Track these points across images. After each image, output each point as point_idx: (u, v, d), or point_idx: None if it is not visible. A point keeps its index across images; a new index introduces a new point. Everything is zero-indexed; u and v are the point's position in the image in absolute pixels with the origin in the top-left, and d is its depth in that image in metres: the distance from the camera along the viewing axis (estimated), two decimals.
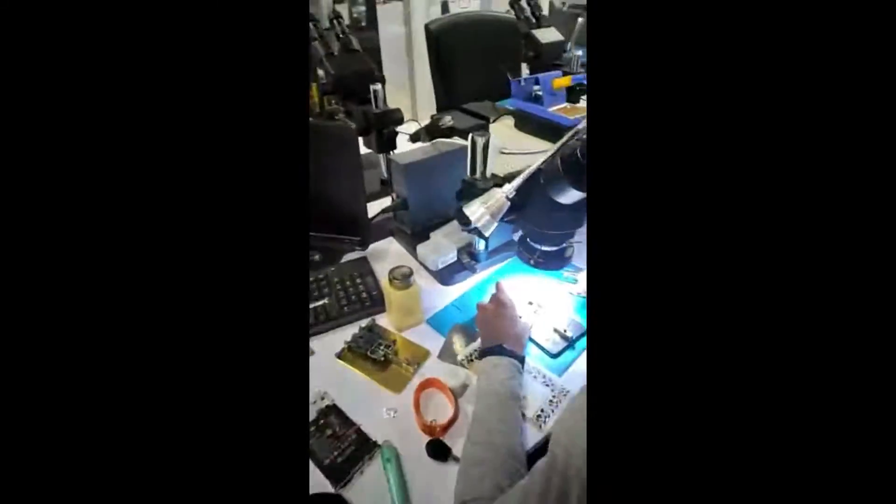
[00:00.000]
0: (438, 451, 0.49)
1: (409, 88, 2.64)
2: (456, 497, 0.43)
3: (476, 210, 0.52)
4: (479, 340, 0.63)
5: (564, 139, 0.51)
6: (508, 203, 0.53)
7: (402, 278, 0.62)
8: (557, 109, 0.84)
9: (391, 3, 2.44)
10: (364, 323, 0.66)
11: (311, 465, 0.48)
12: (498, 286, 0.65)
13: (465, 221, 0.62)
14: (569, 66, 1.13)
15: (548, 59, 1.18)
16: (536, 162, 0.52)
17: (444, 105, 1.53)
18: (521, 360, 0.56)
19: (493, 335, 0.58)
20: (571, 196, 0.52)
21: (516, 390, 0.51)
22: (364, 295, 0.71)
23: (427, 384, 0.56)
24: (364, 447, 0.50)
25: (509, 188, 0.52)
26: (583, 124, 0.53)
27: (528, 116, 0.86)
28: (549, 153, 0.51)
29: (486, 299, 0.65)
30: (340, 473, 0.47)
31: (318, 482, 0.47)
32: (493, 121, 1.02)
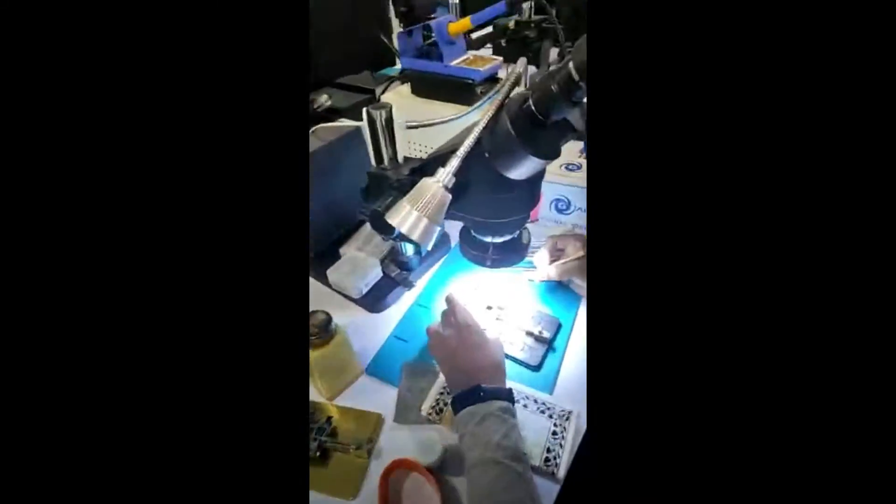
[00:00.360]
0: None
1: None
2: None
3: (406, 215, 0.35)
4: (441, 377, 0.47)
5: (501, 93, 0.36)
6: (449, 196, 0.36)
7: (321, 330, 0.43)
8: (461, 62, 0.69)
9: None
10: None
11: None
12: (449, 301, 0.49)
13: (386, 231, 0.45)
14: (451, 15, 0.98)
15: (422, 12, 1.02)
16: (474, 131, 0.36)
17: (312, 84, 1.29)
18: (508, 394, 0.41)
19: (462, 373, 0.42)
20: (527, 166, 0.38)
21: (518, 448, 0.37)
22: None
23: (391, 470, 0.40)
24: None
25: (445, 174, 0.36)
26: (520, 65, 0.39)
27: (426, 77, 0.69)
28: (486, 116, 0.36)
29: (436, 322, 0.49)
30: None
31: None
32: (384, 91, 0.83)
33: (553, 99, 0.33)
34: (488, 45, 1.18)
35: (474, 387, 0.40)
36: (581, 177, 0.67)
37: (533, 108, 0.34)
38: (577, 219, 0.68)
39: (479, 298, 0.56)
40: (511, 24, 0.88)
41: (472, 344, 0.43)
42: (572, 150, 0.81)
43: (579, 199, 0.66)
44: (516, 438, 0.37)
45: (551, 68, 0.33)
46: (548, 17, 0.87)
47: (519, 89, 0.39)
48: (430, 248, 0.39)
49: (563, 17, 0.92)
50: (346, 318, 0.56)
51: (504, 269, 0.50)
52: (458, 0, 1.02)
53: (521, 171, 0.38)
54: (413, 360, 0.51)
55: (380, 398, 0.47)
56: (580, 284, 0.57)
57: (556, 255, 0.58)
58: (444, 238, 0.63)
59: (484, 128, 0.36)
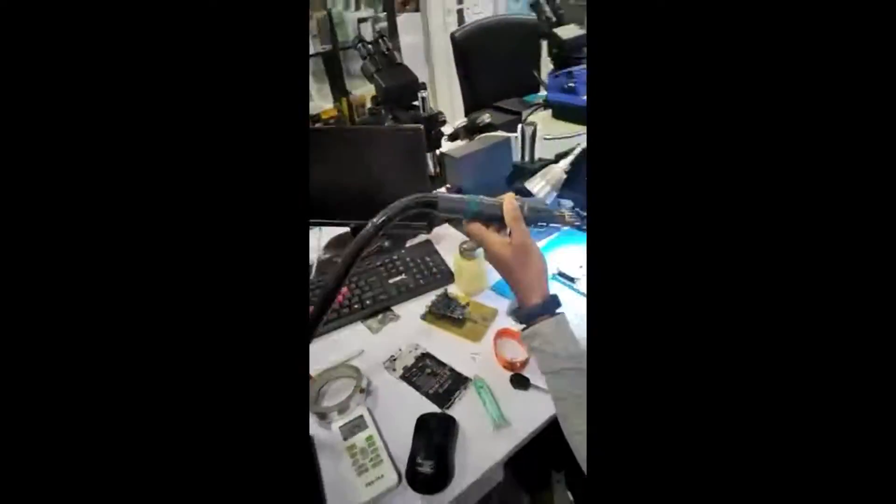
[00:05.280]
0: (520, 381, 0.60)
1: (431, 92, 2.77)
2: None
3: (538, 183, 0.64)
4: None
5: None
6: (565, 176, 0.64)
7: (471, 250, 0.74)
8: None
9: (406, 13, 2.59)
10: (438, 292, 0.78)
11: (418, 395, 0.60)
12: (507, 213, 0.48)
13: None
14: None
15: (569, 53, 1.28)
16: (582, 141, 0.63)
17: (470, 106, 1.66)
18: (554, 304, 0.47)
19: (519, 286, 0.48)
20: None
21: (573, 348, 0.45)
22: (434, 270, 0.82)
23: (501, 333, 0.67)
24: (458, 380, 0.61)
25: (565, 164, 0.63)
26: None
27: (564, 106, 0.97)
28: None
29: (495, 238, 0.49)
30: (444, 399, 0.59)
31: (427, 405, 0.58)
32: (530, 114, 1.13)
33: None
34: None
35: (529, 309, 0.47)
36: None
37: None
38: None
39: (579, 257, 0.81)
40: None
41: (523, 262, 0.48)
42: None
43: None
44: (571, 344, 0.45)
45: None
46: None
47: None
48: (548, 203, 0.66)
49: None
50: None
51: None
52: None
53: None
54: None
55: (497, 304, 0.76)
56: None
57: None
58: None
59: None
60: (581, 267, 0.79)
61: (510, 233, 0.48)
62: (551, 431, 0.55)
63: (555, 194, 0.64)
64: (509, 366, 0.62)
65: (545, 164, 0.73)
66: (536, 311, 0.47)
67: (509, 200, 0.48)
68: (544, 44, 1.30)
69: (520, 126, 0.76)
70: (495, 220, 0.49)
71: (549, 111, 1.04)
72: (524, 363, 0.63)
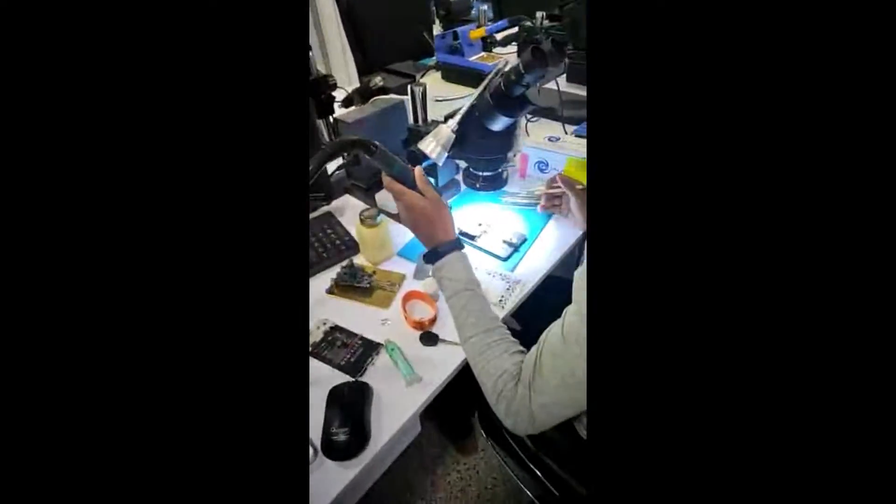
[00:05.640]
0: (430, 338, 0.62)
1: (322, 57, 2.59)
2: (486, 385, 0.51)
3: (429, 143, 0.64)
4: None
5: (488, 78, 0.63)
6: (454, 136, 0.64)
7: (372, 217, 0.72)
8: (477, 58, 0.96)
9: None
10: (344, 263, 0.76)
11: (329, 368, 0.59)
12: (419, 178, 0.60)
13: (416, 161, 0.73)
14: (477, 21, 1.25)
15: (455, 15, 1.29)
16: (470, 98, 0.64)
17: (363, 69, 1.58)
18: (458, 243, 0.59)
19: (427, 235, 0.60)
20: (502, 122, 0.65)
21: (471, 276, 0.57)
22: (337, 241, 0.80)
23: (409, 296, 0.68)
24: (370, 347, 0.61)
25: (452, 122, 0.64)
26: (502, 63, 0.66)
27: (452, 67, 0.97)
28: (479, 90, 0.63)
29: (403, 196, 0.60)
30: (356, 368, 0.59)
31: (339, 377, 0.58)
32: (421, 76, 1.11)
33: (512, 82, 0.60)
34: (513, 43, 1.44)
35: (443, 246, 0.59)
36: (560, 145, 0.93)
37: (502, 87, 0.62)
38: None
39: (474, 218, 0.84)
40: (527, 25, 1.14)
41: (437, 210, 0.60)
42: (556, 130, 1.06)
43: (555, 161, 0.93)
44: (469, 270, 0.58)
45: (509, 66, 0.60)
46: (555, 24, 1.12)
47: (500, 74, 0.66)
48: (441, 163, 0.67)
49: (566, 25, 1.17)
50: (391, 225, 0.85)
51: (489, 197, 0.77)
52: (485, 8, 1.29)
53: (496, 124, 0.65)
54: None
55: (405, 268, 0.76)
56: (574, 207, 0.77)
57: (552, 190, 0.81)
58: (453, 181, 0.91)
59: (476, 98, 0.64)
60: (480, 224, 0.82)
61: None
62: (464, 380, 0.59)
63: (445, 154, 0.65)
64: (418, 325, 0.64)
65: (438, 125, 0.73)
66: (448, 247, 0.59)
67: (419, 169, 0.60)
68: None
69: (409, 88, 0.75)
70: (408, 184, 0.59)
71: (440, 73, 1.04)
72: (433, 320, 0.65)
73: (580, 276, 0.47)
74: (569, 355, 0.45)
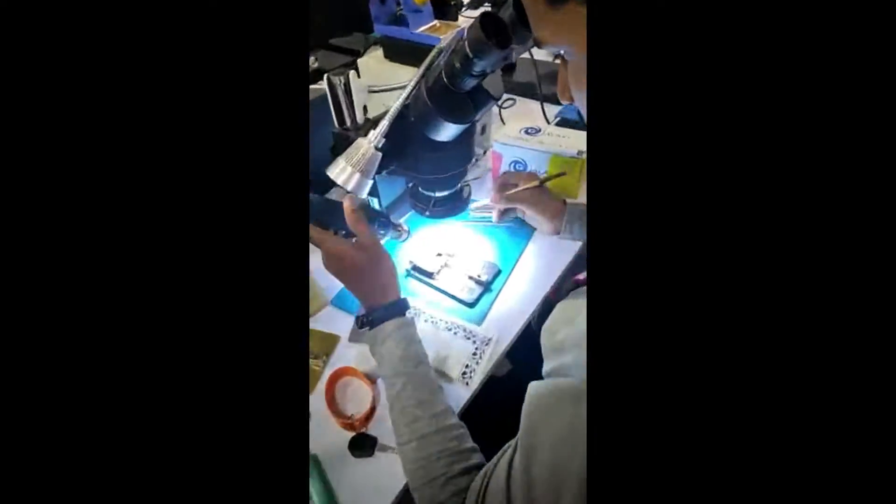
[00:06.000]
0: (362, 445, 0.44)
1: None
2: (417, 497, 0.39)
3: (341, 169, 0.43)
4: None
5: (425, 65, 0.42)
6: (379, 154, 0.44)
7: None
8: (426, 29, 0.73)
9: None
10: None
11: None
12: (349, 216, 0.47)
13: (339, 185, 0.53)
14: None
15: None
16: (399, 98, 0.43)
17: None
18: (401, 307, 0.47)
19: (362, 292, 0.48)
20: (449, 131, 0.44)
21: (416, 354, 0.44)
22: None
23: (337, 375, 0.50)
24: None
25: (375, 135, 0.43)
26: (445, 42, 0.44)
27: (395, 43, 0.74)
28: (410, 85, 0.42)
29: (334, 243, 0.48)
30: None
31: None
32: (362, 54, 0.88)
33: (457, 73, 0.39)
34: (486, 4, 1.19)
35: (370, 311, 0.46)
36: (541, 140, 0.73)
37: (445, 80, 0.41)
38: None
39: (432, 246, 0.65)
40: None
41: (376, 262, 0.47)
42: (535, 114, 0.85)
43: (535, 161, 0.72)
44: (415, 347, 0.44)
45: (456, 46, 0.39)
46: None
47: (443, 59, 0.45)
48: (363, 195, 0.47)
49: None
50: (317, 262, 0.66)
51: (446, 220, 0.58)
52: None
53: (442, 133, 0.45)
54: None
55: (341, 324, 0.58)
56: (532, 216, 0.63)
57: (504, 188, 0.63)
58: (404, 194, 0.71)
59: (408, 96, 0.43)
60: (439, 255, 0.63)
61: (352, 237, 0.47)
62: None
63: (368, 181, 0.45)
64: (348, 426, 0.46)
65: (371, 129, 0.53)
66: (383, 313, 0.46)
67: (348, 203, 0.46)
68: None
69: (325, 77, 0.54)
70: (334, 224, 0.48)
71: (382, 51, 0.80)
72: (367, 417, 0.47)
73: (539, 402, 0.32)
74: None
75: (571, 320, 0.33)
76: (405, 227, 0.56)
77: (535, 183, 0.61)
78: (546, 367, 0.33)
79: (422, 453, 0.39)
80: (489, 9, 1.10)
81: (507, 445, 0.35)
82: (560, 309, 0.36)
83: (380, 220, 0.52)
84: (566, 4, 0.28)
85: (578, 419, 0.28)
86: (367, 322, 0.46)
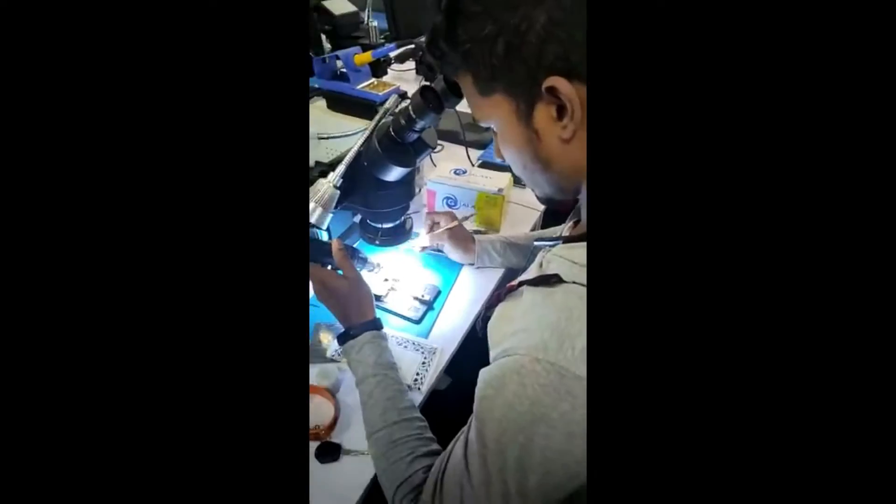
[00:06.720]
0: (328, 451, 0.49)
1: None
2: (386, 490, 0.44)
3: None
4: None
5: (375, 121, 0.52)
6: (338, 192, 0.52)
7: None
8: (365, 86, 0.84)
9: None
10: None
11: None
12: (336, 254, 0.57)
13: None
14: (367, 38, 1.13)
15: (344, 31, 1.15)
16: (354, 146, 0.52)
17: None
18: (376, 324, 0.56)
19: (344, 315, 0.56)
20: (396, 173, 0.54)
21: (388, 360, 0.53)
22: None
23: None
24: None
25: (334, 177, 0.51)
26: (390, 102, 0.55)
27: (338, 97, 0.84)
28: (364, 136, 0.52)
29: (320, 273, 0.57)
30: None
31: None
32: None
33: (402, 128, 0.50)
34: (411, 59, 1.34)
35: (350, 326, 0.55)
36: (467, 179, 0.85)
37: (392, 133, 0.51)
38: (463, 212, 0.86)
39: (379, 272, 0.72)
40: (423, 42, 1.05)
41: (350, 293, 0.56)
42: (461, 157, 0.99)
43: (464, 197, 0.84)
44: (387, 355, 0.53)
45: (399, 107, 0.50)
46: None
47: (390, 115, 0.55)
48: (324, 228, 0.54)
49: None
50: None
51: (391, 248, 0.66)
52: (375, 24, 1.17)
53: (390, 175, 0.54)
54: (322, 321, 0.65)
55: None
56: (450, 250, 0.73)
57: (432, 228, 0.73)
58: (351, 227, 0.78)
59: (362, 144, 0.52)
60: (386, 280, 0.70)
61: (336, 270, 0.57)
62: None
63: (329, 215, 0.52)
64: (313, 436, 0.50)
65: (322, 171, 0.60)
66: (361, 328, 0.54)
67: (336, 243, 0.57)
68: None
69: None
70: (321, 259, 0.57)
71: (325, 101, 0.90)
72: (332, 425, 0.51)
73: (488, 380, 0.37)
74: (476, 482, 0.36)
75: (511, 316, 0.40)
76: (376, 262, 0.65)
77: (455, 223, 0.72)
78: (492, 355, 0.40)
79: (391, 437, 0.45)
80: (415, 66, 1.24)
81: (464, 427, 0.41)
82: (500, 309, 0.45)
83: (358, 256, 0.62)
84: (493, 95, 0.36)
85: (521, 387, 0.32)
86: (348, 336, 0.54)
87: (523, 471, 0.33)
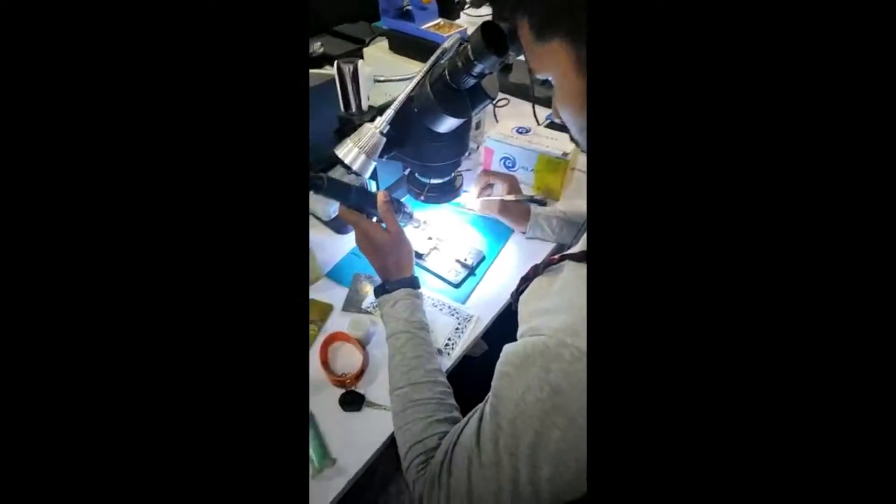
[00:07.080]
0: (352, 401, 0.49)
1: None
2: (400, 447, 0.44)
3: (349, 150, 0.48)
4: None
5: (430, 62, 0.47)
6: (384, 138, 0.49)
7: None
8: (430, 26, 0.77)
9: None
10: None
11: None
12: (382, 210, 0.55)
13: (345, 164, 0.57)
14: None
15: None
16: (405, 90, 0.48)
17: (312, 30, 1.35)
18: (413, 282, 0.55)
19: (384, 268, 0.55)
20: (448, 124, 0.49)
21: (421, 320, 0.51)
22: None
23: (332, 339, 0.55)
24: None
25: (381, 122, 0.48)
26: (449, 42, 0.49)
27: (401, 36, 0.78)
28: (416, 79, 0.47)
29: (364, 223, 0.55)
30: None
31: None
32: (368, 44, 0.92)
33: (458, 72, 0.44)
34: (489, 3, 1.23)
35: (387, 280, 0.54)
36: (530, 139, 0.78)
37: (448, 77, 0.46)
38: (521, 175, 0.80)
39: (424, 230, 0.70)
40: None
41: (398, 245, 0.55)
42: (527, 115, 0.91)
43: (523, 159, 0.78)
44: (420, 314, 0.51)
45: (458, 48, 0.44)
46: None
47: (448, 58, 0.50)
48: (367, 176, 0.52)
49: None
50: (316, 233, 0.70)
51: (436, 205, 0.63)
52: None
53: (442, 125, 0.50)
54: (362, 271, 0.65)
55: (335, 295, 0.62)
56: (503, 219, 0.69)
57: (485, 190, 0.69)
58: (401, 180, 0.76)
59: (413, 89, 0.48)
60: (430, 238, 0.68)
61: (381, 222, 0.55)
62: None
63: (372, 163, 0.49)
64: (339, 382, 0.51)
65: (374, 116, 0.57)
66: (398, 284, 0.53)
67: (382, 195, 0.54)
68: None
69: (336, 63, 0.58)
70: (366, 209, 0.54)
71: (388, 42, 0.84)
72: (359, 375, 0.52)
73: (510, 357, 0.35)
74: (486, 461, 0.35)
75: (545, 293, 0.38)
76: (422, 219, 0.63)
77: (512, 198, 0.66)
78: (520, 331, 0.38)
79: (412, 397, 0.45)
80: (490, 9, 1.14)
81: (482, 402, 0.40)
82: (536, 283, 0.42)
83: (403, 210, 0.59)
84: (550, 42, 0.32)
85: (543, 371, 0.32)
86: (384, 289, 0.53)
87: (536, 459, 0.32)
